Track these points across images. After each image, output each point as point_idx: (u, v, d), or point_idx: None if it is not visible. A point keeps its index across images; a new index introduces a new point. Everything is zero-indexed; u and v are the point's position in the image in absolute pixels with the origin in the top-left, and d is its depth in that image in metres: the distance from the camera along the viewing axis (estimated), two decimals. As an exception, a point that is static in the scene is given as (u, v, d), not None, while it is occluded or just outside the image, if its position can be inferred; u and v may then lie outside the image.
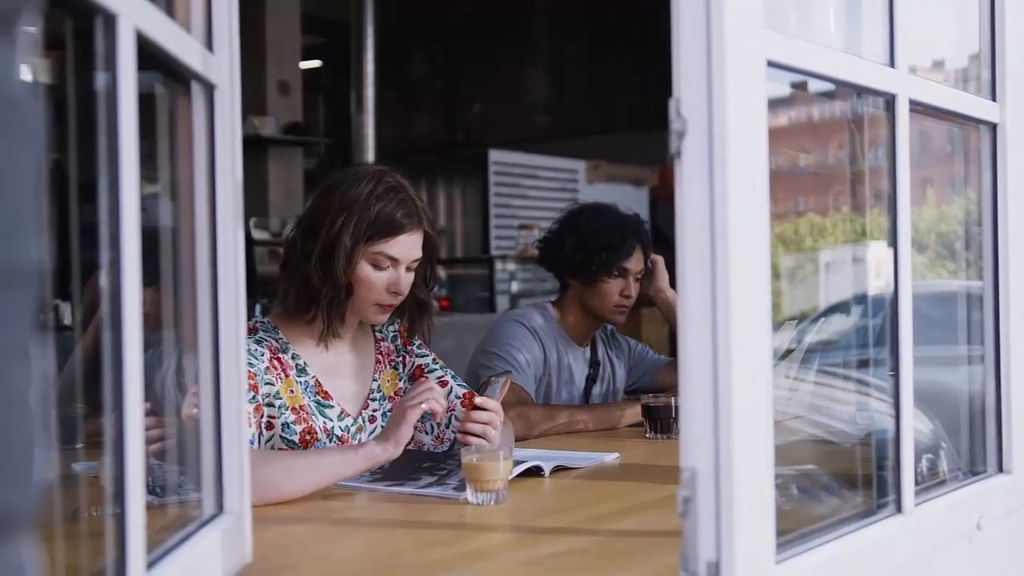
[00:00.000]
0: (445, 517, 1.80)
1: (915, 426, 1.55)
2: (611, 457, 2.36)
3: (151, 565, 1.07)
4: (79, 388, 1.62)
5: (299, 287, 2.21)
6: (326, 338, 2.26)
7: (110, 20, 0.98)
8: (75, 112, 1.03)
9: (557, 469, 2.18)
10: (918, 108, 1.56)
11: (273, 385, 2.15)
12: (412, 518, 1.80)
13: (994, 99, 1.79)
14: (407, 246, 2.21)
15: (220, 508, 1.35)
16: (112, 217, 0.98)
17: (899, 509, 1.50)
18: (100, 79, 0.99)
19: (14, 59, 0.56)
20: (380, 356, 2.39)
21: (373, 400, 2.35)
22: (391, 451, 1.97)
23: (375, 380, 2.36)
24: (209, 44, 1.34)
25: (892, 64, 1.50)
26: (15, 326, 0.55)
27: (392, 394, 2.38)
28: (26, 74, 0.58)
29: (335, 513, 1.85)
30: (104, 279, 1.00)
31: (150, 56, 1.09)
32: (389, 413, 2.33)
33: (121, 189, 0.99)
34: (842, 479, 1.69)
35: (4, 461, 0.54)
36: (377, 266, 2.20)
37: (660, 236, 4.94)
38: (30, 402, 0.56)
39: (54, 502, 1.05)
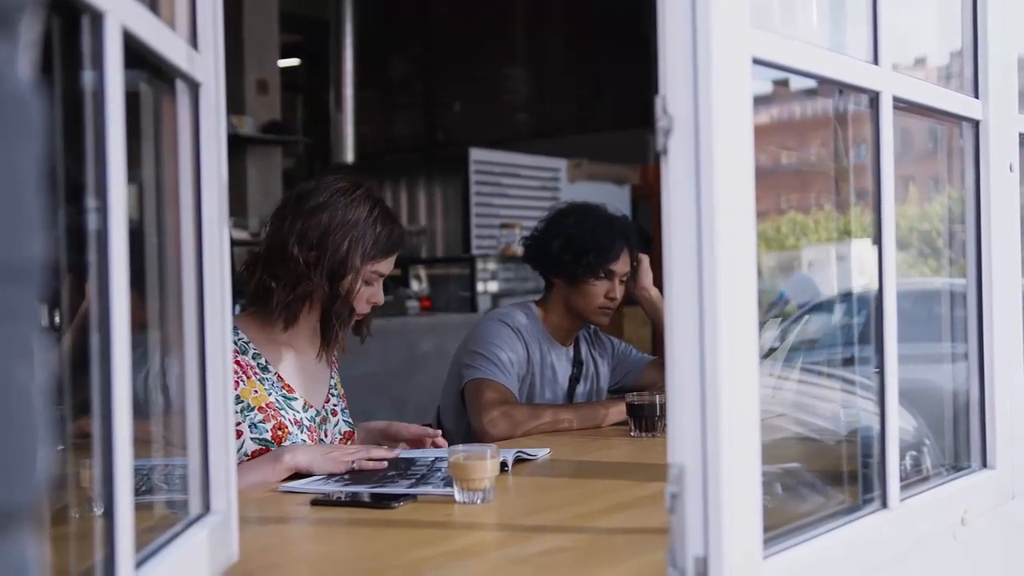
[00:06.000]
0: (431, 516, 1.80)
1: (899, 424, 1.55)
2: (543, 452, 2.37)
3: (139, 564, 1.06)
4: (64, 389, 1.61)
5: (301, 300, 2.26)
6: (330, 353, 2.36)
7: (97, 18, 0.97)
8: (60, 110, 1.03)
9: (518, 460, 2.23)
10: (901, 105, 1.57)
11: (234, 389, 2.17)
12: (398, 517, 1.80)
13: (976, 96, 1.80)
14: (393, 262, 2.33)
15: (207, 508, 1.35)
16: (100, 216, 0.98)
17: (884, 504, 1.51)
18: (86, 77, 0.99)
19: (15, 57, 0.56)
20: (334, 357, 2.48)
21: (333, 395, 2.43)
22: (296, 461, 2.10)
23: (332, 377, 2.45)
24: (194, 42, 1.33)
25: (876, 61, 1.51)
26: (19, 321, 0.55)
27: (341, 394, 2.48)
28: (27, 72, 0.58)
29: (321, 513, 1.85)
30: (90, 279, 0.99)
31: (134, 54, 1.08)
32: (345, 410, 2.45)
33: (109, 189, 0.98)
34: (827, 476, 1.69)
35: (9, 457, 0.54)
36: (368, 282, 2.29)
37: (642, 235, 4.94)
38: (34, 398, 0.56)
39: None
